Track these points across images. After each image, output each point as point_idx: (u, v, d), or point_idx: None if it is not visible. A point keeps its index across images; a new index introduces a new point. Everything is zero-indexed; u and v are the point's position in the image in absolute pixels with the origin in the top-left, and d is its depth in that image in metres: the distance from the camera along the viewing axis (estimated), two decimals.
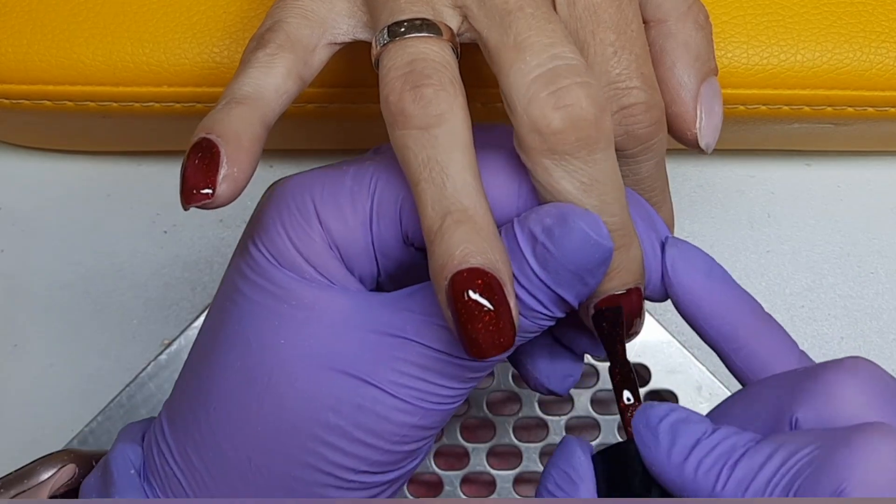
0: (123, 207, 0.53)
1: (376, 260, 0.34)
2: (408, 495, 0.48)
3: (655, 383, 0.50)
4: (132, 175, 0.53)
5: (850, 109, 0.46)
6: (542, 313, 0.32)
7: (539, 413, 0.49)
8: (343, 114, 0.46)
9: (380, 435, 0.33)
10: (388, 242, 0.34)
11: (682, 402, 0.50)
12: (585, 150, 0.32)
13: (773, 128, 0.48)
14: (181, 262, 0.52)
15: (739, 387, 0.52)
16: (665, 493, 0.32)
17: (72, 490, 0.38)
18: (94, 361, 0.52)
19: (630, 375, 0.34)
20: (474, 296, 0.30)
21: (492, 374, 0.49)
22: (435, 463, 0.48)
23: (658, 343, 0.50)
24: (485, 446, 0.49)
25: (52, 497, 0.37)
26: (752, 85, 0.45)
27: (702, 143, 0.37)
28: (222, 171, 0.32)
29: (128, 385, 0.50)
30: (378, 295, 0.34)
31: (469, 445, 0.48)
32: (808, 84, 0.45)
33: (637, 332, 0.35)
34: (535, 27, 0.32)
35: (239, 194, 0.33)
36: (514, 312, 0.31)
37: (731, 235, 0.53)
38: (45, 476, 0.38)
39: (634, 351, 0.50)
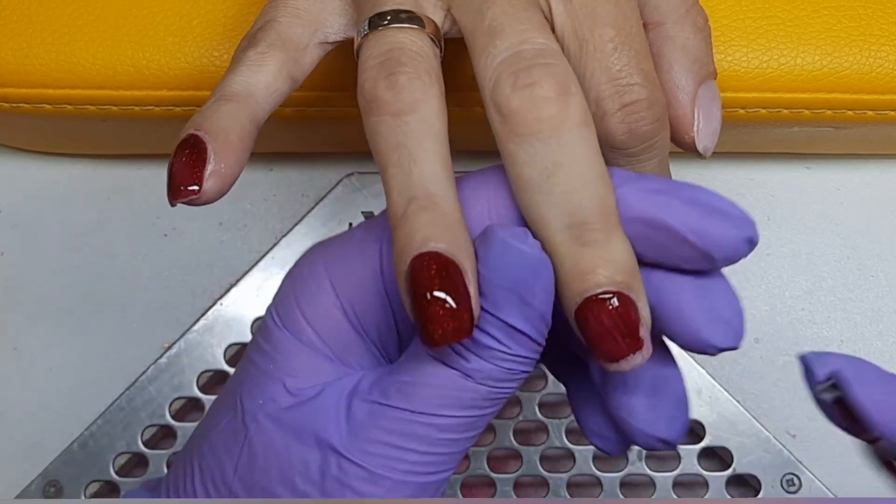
0: (123, 211, 0.53)
1: (393, 312, 0.33)
2: None
3: None
4: (132, 178, 0.53)
5: (850, 113, 0.46)
6: (499, 351, 0.31)
7: (539, 416, 0.49)
8: (342, 117, 0.46)
9: None
10: None
11: None
12: (548, 131, 0.30)
13: (773, 131, 0.48)
14: (181, 265, 0.52)
15: (741, 390, 0.52)
16: None
17: None
18: (93, 364, 0.52)
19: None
20: (431, 288, 0.29)
21: None
22: None
23: None
24: (485, 449, 0.48)
25: None
26: (752, 88, 0.45)
27: (699, 147, 0.36)
28: (209, 168, 0.32)
29: (128, 388, 0.50)
30: (363, 370, 0.33)
31: (470, 448, 0.48)
32: (807, 87, 0.45)
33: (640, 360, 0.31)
34: (511, 14, 0.32)
35: (226, 190, 0.32)
36: (475, 302, 0.30)
37: None
38: None
39: None
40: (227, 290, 0.51)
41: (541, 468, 0.49)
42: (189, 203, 0.32)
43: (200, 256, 0.52)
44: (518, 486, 0.49)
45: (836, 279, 0.52)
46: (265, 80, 0.34)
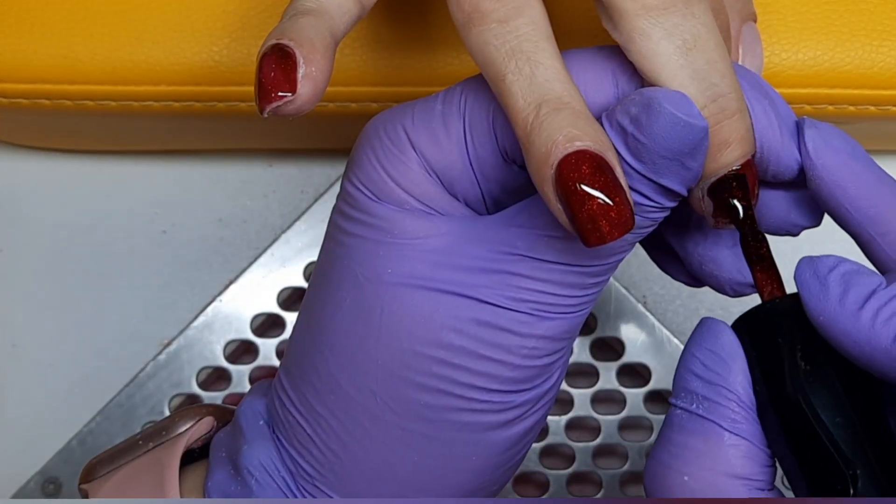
0: (122, 207, 0.53)
1: (478, 182, 0.33)
2: None
3: (656, 383, 0.49)
4: (130, 174, 0.53)
5: (852, 108, 0.45)
6: (649, 206, 0.31)
7: None
8: (341, 113, 0.46)
9: (507, 349, 0.32)
10: (487, 160, 0.33)
11: None
12: (682, 4, 0.30)
13: None
14: (180, 261, 0.52)
15: None
16: (824, 350, 0.30)
17: (208, 444, 0.37)
18: (92, 361, 0.52)
19: (764, 242, 0.33)
20: (587, 188, 0.29)
21: None
22: None
23: (658, 342, 0.50)
24: None
25: (189, 449, 0.37)
26: None
27: None
28: (300, 71, 0.31)
29: (127, 385, 0.50)
30: (484, 217, 0.33)
31: None
32: (809, 83, 0.45)
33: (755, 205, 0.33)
34: None
35: (320, 97, 0.32)
36: (629, 195, 0.29)
37: None
38: (184, 428, 0.37)
39: (634, 350, 0.50)
40: (227, 287, 0.51)
41: (541, 466, 0.49)
42: (279, 111, 0.31)
43: (199, 253, 0.52)
44: (518, 484, 0.49)
45: None
46: (337, 0, 0.33)
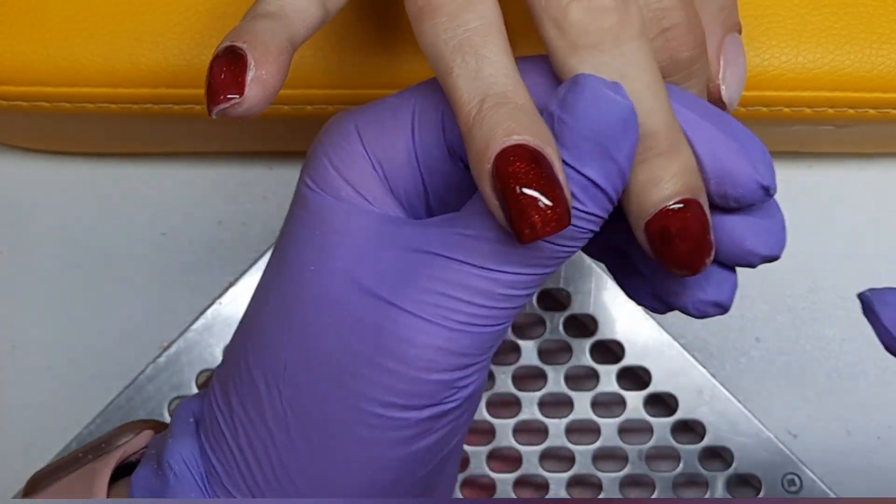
0: (121, 209, 0.53)
1: (421, 175, 0.33)
2: None
3: (656, 386, 0.49)
4: (130, 177, 0.53)
5: (851, 111, 0.45)
6: (575, 209, 0.30)
7: (539, 416, 0.49)
8: None
9: (402, 359, 0.31)
10: (432, 152, 0.32)
11: (682, 405, 0.50)
12: (610, 41, 0.30)
13: (774, 130, 0.48)
14: (179, 264, 0.52)
15: (742, 389, 0.52)
16: None
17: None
18: (92, 364, 0.52)
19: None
20: (522, 185, 0.28)
21: (492, 376, 0.49)
22: None
23: (658, 345, 0.50)
24: (485, 449, 0.48)
25: (125, 462, 0.36)
26: (753, 87, 0.45)
27: (725, 97, 0.35)
28: (250, 74, 0.31)
29: (126, 387, 0.50)
30: (415, 220, 0.33)
31: (469, 448, 0.48)
32: (808, 86, 0.45)
33: (707, 264, 0.32)
34: None
35: (270, 100, 0.31)
36: (567, 193, 0.29)
37: None
38: (123, 441, 0.37)
39: (634, 353, 0.50)
40: (226, 289, 0.51)
41: (541, 469, 0.49)
42: (227, 113, 0.31)
43: (199, 255, 0.52)
44: (518, 486, 0.48)
45: (837, 278, 0.52)
46: (299, 4, 0.33)
